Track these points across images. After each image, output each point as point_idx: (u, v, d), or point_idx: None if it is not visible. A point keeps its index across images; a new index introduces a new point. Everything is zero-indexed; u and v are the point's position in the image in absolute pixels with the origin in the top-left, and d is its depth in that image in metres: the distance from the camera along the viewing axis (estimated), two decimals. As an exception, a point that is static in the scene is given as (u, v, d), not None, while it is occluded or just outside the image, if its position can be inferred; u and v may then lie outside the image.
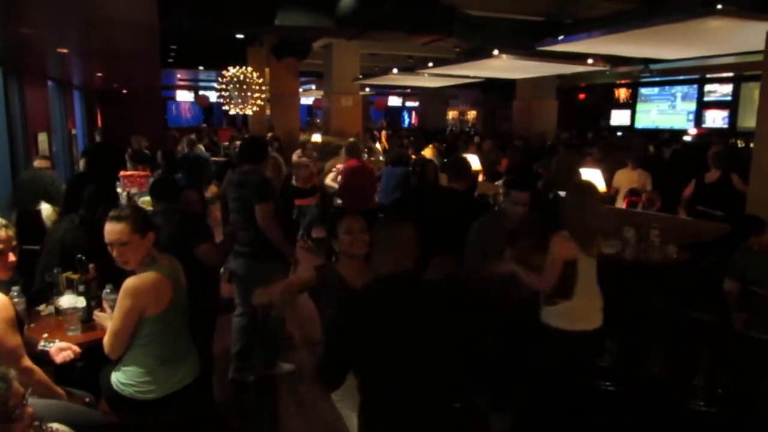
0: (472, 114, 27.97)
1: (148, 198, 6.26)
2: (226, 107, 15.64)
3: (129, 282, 2.57)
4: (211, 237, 3.88)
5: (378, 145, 13.22)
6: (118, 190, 6.38)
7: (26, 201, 4.42)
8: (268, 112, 16.89)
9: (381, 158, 10.76)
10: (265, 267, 4.11)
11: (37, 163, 5.81)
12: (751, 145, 7.70)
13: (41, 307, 3.30)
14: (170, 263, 2.72)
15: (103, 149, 7.01)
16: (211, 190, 6.44)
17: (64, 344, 2.77)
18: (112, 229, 2.57)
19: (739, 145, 13.19)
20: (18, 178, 5.70)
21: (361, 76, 13.72)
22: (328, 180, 7.84)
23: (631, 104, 20.44)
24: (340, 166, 7.24)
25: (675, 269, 4.38)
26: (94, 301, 3.15)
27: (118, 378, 2.65)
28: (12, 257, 2.55)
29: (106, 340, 2.62)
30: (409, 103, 30.61)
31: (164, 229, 3.34)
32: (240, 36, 14.13)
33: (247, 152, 4.43)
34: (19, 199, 4.49)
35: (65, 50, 6.86)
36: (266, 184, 4.27)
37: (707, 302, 3.88)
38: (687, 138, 16.10)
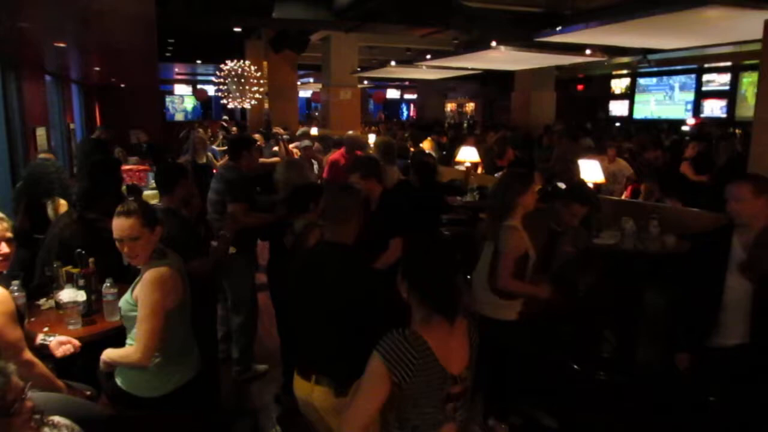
0: (470, 106, 27.88)
1: (148, 192, 6.27)
2: (224, 101, 15.63)
3: (152, 274, 2.51)
4: (201, 249, 3.66)
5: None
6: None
7: (33, 193, 4.46)
8: (266, 105, 16.86)
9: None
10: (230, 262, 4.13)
11: (42, 155, 5.74)
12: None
13: (41, 302, 3.31)
14: (177, 257, 2.71)
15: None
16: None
17: (64, 338, 2.77)
18: (121, 225, 2.51)
19: (738, 134, 13.17)
20: (24, 169, 5.71)
21: (359, 69, 13.67)
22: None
23: (629, 95, 20.39)
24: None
25: (674, 259, 4.38)
26: (94, 295, 3.16)
27: (123, 374, 2.64)
28: (5, 248, 2.53)
29: (139, 346, 2.46)
30: (407, 96, 30.53)
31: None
32: (238, 29, 14.11)
33: (228, 148, 4.84)
34: (27, 191, 4.53)
35: (62, 44, 6.84)
36: (242, 182, 4.24)
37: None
38: (685, 128, 16.08)
